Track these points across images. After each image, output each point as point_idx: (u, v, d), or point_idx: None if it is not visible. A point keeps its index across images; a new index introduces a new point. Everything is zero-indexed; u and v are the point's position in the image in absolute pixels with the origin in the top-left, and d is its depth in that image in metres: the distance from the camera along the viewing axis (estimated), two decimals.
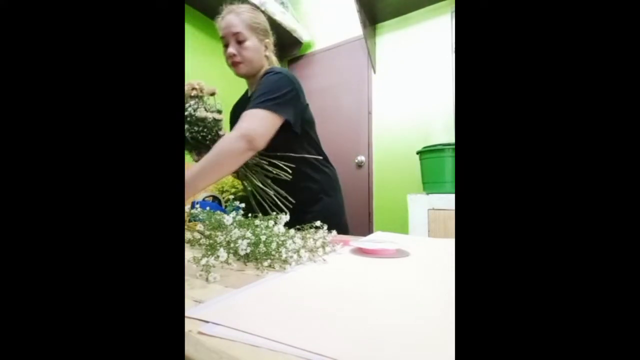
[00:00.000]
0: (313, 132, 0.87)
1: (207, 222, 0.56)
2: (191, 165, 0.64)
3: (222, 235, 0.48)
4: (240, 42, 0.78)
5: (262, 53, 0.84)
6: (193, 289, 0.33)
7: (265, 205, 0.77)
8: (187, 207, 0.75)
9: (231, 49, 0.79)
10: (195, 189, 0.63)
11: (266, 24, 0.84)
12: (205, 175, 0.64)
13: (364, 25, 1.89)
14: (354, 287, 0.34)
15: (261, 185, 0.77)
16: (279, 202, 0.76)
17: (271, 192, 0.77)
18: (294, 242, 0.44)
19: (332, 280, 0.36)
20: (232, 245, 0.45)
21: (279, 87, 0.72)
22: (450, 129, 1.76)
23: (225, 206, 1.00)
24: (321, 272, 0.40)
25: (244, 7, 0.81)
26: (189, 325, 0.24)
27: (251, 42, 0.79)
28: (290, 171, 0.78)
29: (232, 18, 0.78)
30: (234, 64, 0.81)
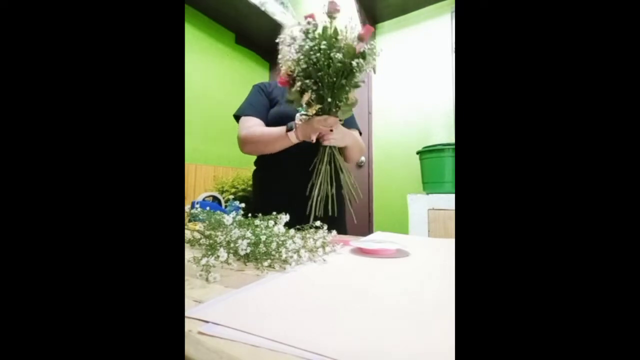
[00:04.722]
0: None
1: (207, 222, 0.56)
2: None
3: (222, 235, 0.48)
4: None
5: None
6: (193, 289, 0.33)
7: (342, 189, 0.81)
8: (187, 207, 0.75)
9: None
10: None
11: None
12: (351, 143, 0.87)
13: (364, 25, 1.89)
14: (354, 287, 0.34)
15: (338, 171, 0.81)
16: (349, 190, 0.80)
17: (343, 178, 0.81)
18: (294, 242, 0.44)
19: (332, 280, 0.36)
20: (232, 245, 0.45)
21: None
22: (450, 129, 1.76)
23: (225, 206, 1.00)
24: (321, 272, 0.40)
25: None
26: (189, 325, 0.24)
27: None
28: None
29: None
30: None
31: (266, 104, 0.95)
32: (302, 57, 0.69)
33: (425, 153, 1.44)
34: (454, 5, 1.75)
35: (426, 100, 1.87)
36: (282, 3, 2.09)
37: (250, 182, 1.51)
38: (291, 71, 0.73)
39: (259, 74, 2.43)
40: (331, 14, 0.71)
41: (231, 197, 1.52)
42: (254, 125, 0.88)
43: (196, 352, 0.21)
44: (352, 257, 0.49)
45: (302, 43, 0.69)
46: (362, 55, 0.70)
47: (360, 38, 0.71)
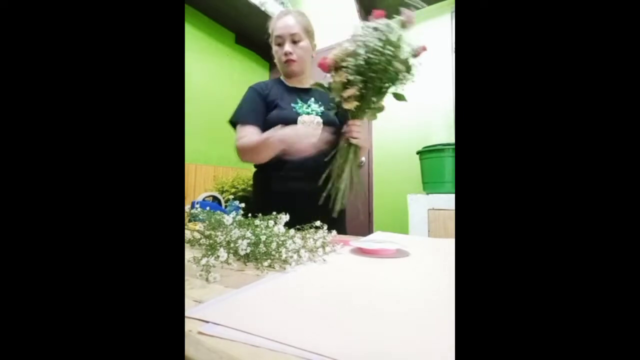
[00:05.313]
0: None
1: (207, 222, 0.56)
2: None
3: (222, 235, 0.48)
4: (295, 42, 0.88)
5: (310, 54, 0.93)
6: (193, 289, 0.33)
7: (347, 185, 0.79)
8: (187, 207, 0.75)
9: (288, 48, 0.87)
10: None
11: (313, 29, 0.94)
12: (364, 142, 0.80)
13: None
14: (353, 287, 0.34)
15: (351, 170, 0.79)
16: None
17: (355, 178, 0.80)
18: (294, 242, 0.44)
19: (332, 280, 0.36)
20: (232, 245, 0.45)
21: None
22: (450, 129, 1.76)
23: (226, 206, 1.00)
24: (321, 272, 0.40)
25: (298, 12, 0.92)
26: (189, 325, 0.24)
27: (305, 43, 0.89)
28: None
29: (290, 19, 0.88)
30: (288, 61, 0.88)
31: (262, 110, 0.89)
32: (363, 52, 0.68)
33: (425, 153, 1.44)
34: (454, 5, 1.75)
35: (426, 100, 1.87)
36: (282, 3, 2.09)
37: (251, 182, 1.51)
38: (341, 60, 0.71)
39: (259, 74, 2.43)
40: (405, 23, 0.72)
41: (231, 197, 1.52)
42: (248, 135, 0.84)
43: (196, 352, 0.21)
44: (352, 257, 0.49)
45: (371, 40, 0.68)
46: (409, 69, 0.71)
47: (415, 54, 0.72)
